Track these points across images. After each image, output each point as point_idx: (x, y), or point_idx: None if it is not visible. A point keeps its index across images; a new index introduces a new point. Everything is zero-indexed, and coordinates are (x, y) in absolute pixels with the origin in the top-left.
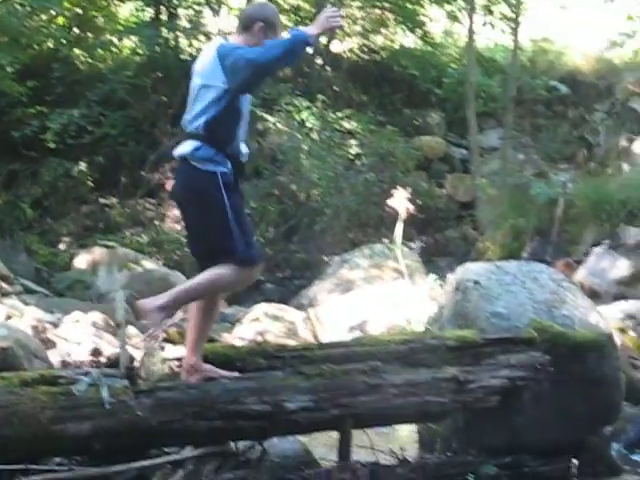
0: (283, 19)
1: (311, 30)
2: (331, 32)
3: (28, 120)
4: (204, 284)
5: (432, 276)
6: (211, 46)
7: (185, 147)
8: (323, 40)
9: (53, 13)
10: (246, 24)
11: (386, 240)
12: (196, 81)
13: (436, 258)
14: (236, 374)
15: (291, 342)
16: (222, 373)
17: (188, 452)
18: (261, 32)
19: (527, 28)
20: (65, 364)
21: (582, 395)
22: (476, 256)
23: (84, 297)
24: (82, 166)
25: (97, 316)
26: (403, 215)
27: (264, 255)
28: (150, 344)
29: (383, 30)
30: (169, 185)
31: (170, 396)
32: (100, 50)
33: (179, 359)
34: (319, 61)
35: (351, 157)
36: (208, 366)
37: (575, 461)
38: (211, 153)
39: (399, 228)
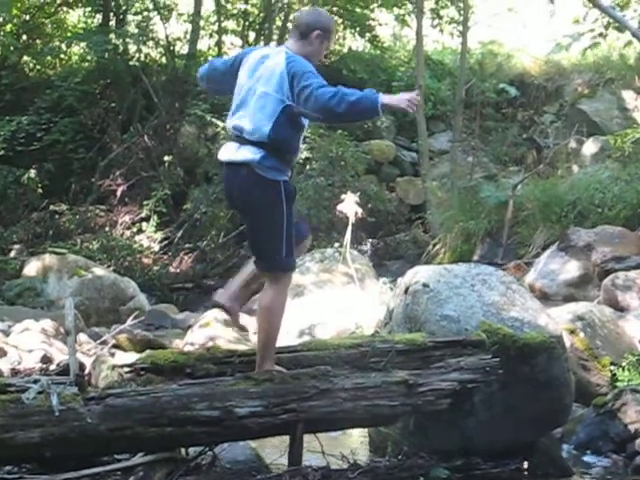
0: (231, 24)
1: (386, 99)
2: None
3: None
4: (268, 323)
5: (382, 280)
6: (277, 54)
7: (247, 154)
8: (272, 45)
9: (1, 20)
10: (304, 32)
11: (337, 244)
12: (253, 85)
13: (387, 261)
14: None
15: (242, 347)
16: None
17: (138, 459)
18: (318, 39)
19: (476, 31)
20: (15, 372)
21: (532, 397)
22: (427, 259)
23: (34, 304)
24: (32, 173)
25: (47, 323)
26: (353, 219)
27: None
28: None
29: None
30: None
31: (120, 403)
32: (49, 57)
33: (129, 365)
34: None
35: (301, 161)
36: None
37: (526, 463)
38: (276, 162)
39: (349, 232)
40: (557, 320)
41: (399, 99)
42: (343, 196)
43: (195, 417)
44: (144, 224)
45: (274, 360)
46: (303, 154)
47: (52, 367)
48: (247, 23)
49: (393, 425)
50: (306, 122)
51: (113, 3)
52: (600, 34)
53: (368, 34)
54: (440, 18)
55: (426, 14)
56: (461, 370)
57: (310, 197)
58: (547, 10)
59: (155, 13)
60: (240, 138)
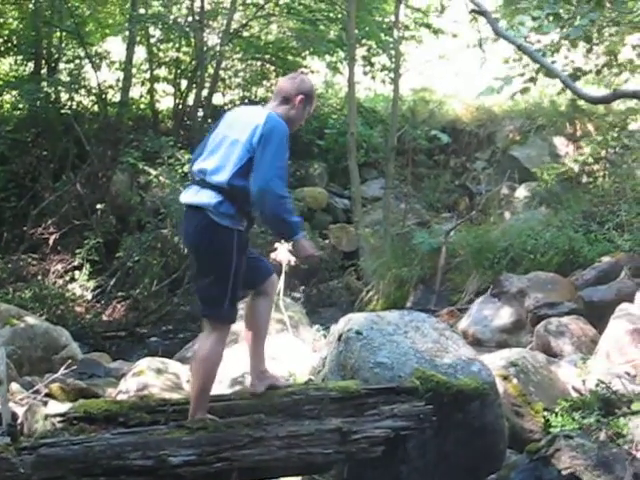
0: (163, 72)
1: (301, 242)
2: (299, 257)
3: None
4: (204, 372)
5: (316, 327)
6: (260, 111)
7: (204, 198)
8: (204, 92)
9: None
10: (287, 97)
11: None
12: (229, 134)
13: (320, 309)
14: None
15: (175, 395)
16: (284, 383)
17: None
18: (301, 104)
19: (407, 78)
20: None
21: (466, 443)
22: (360, 306)
23: None
24: None
25: None
26: (286, 267)
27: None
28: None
29: (264, 82)
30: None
31: (53, 452)
32: None
33: (62, 414)
34: (200, 113)
35: None
36: (274, 374)
37: None
38: (232, 211)
39: (282, 280)
40: (490, 366)
41: (307, 249)
42: (276, 244)
43: (128, 466)
44: (77, 272)
45: (207, 409)
46: None
47: None
48: (179, 71)
49: (327, 473)
50: None
51: (45, 51)
52: (531, 79)
53: None
54: (372, 65)
55: (358, 61)
56: (395, 417)
57: None
58: (478, 57)
59: (87, 61)
60: (202, 181)
